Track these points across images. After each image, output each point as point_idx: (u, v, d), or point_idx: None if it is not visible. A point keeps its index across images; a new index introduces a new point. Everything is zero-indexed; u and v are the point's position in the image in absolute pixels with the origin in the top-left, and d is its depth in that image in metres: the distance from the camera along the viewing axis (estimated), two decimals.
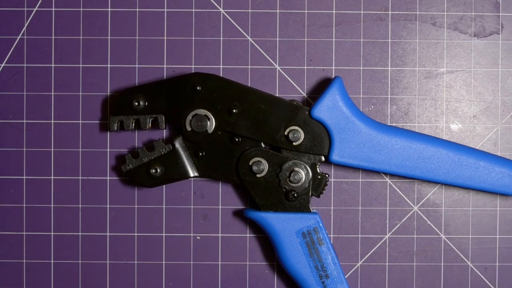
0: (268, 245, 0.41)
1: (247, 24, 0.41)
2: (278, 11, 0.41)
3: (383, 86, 0.41)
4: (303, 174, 0.39)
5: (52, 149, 0.41)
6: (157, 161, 0.39)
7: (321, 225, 0.39)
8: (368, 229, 0.41)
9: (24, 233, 0.41)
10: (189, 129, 0.39)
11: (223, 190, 0.41)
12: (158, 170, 0.39)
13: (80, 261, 0.41)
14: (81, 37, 0.41)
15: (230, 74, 0.41)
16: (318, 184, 0.39)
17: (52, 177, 0.41)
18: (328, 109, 0.39)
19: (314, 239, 0.39)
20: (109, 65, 0.41)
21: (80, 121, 0.41)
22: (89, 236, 0.41)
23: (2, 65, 0.41)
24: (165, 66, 0.41)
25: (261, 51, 0.41)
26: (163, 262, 0.41)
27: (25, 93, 0.41)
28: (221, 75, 0.41)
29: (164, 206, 0.41)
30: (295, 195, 0.39)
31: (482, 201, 0.41)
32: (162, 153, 0.39)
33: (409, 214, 0.41)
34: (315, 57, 0.41)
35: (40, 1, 0.41)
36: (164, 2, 0.41)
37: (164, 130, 0.41)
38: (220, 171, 0.40)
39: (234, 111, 0.39)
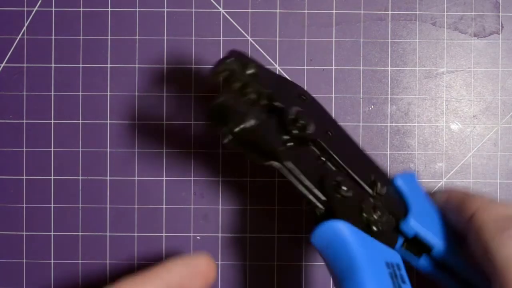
0: (268, 245, 0.41)
1: (247, 24, 0.41)
2: (278, 11, 0.41)
3: (383, 86, 0.41)
4: (385, 212, 0.35)
5: (52, 149, 0.41)
6: (253, 112, 0.33)
7: (403, 265, 0.34)
8: None
9: (24, 233, 0.41)
10: (291, 116, 0.34)
11: (223, 190, 0.41)
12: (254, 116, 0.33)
13: (80, 261, 0.41)
14: (81, 37, 0.41)
15: None
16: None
17: (52, 177, 0.41)
18: (408, 184, 0.37)
19: (397, 274, 0.33)
20: (109, 65, 0.41)
21: (80, 121, 0.41)
22: (89, 236, 0.41)
23: (2, 65, 0.41)
24: (165, 66, 0.41)
25: (261, 51, 0.41)
26: None
27: (25, 93, 0.41)
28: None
29: (164, 206, 0.41)
30: (378, 227, 0.34)
31: None
32: (259, 114, 0.34)
33: None
34: (315, 57, 0.41)
35: (40, 1, 0.41)
36: (164, 2, 0.41)
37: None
38: (304, 171, 0.34)
39: (330, 133, 0.36)
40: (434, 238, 0.36)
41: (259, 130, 0.33)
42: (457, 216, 0.36)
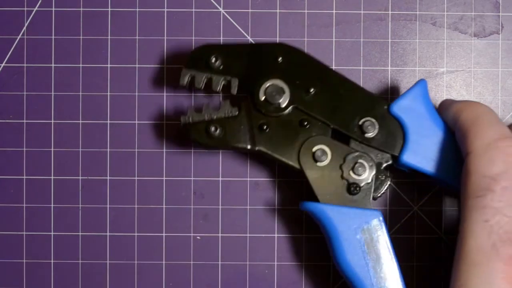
0: (268, 245, 0.41)
1: (247, 24, 0.41)
2: (278, 11, 0.41)
3: (383, 86, 0.41)
4: (367, 167, 0.37)
5: (52, 149, 0.41)
6: (220, 121, 0.38)
7: (383, 223, 0.37)
8: None
9: (24, 233, 0.41)
10: (262, 98, 0.38)
11: (223, 190, 0.41)
12: (218, 130, 0.37)
13: (80, 261, 0.41)
14: (81, 37, 0.41)
15: None
16: (379, 185, 0.38)
17: (52, 177, 0.41)
18: (408, 109, 0.37)
19: (373, 237, 0.36)
20: (109, 65, 0.41)
21: (80, 121, 0.41)
22: (89, 236, 0.41)
23: (2, 65, 0.41)
24: (165, 66, 0.41)
25: None
26: (163, 262, 0.41)
27: (25, 93, 0.41)
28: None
29: (164, 206, 0.41)
30: (358, 188, 0.37)
31: None
32: (227, 115, 0.38)
33: (409, 214, 0.41)
34: (315, 57, 0.41)
35: (40, 1, 0.41)
36: (164, 2, 0.41)
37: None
38: (281, 151, 0.38)
39: (312, 90, 0.38)
40: (431, 170, 0.36)
41: (222, 139, 0.38)
42: (460, 145, 0.34)
